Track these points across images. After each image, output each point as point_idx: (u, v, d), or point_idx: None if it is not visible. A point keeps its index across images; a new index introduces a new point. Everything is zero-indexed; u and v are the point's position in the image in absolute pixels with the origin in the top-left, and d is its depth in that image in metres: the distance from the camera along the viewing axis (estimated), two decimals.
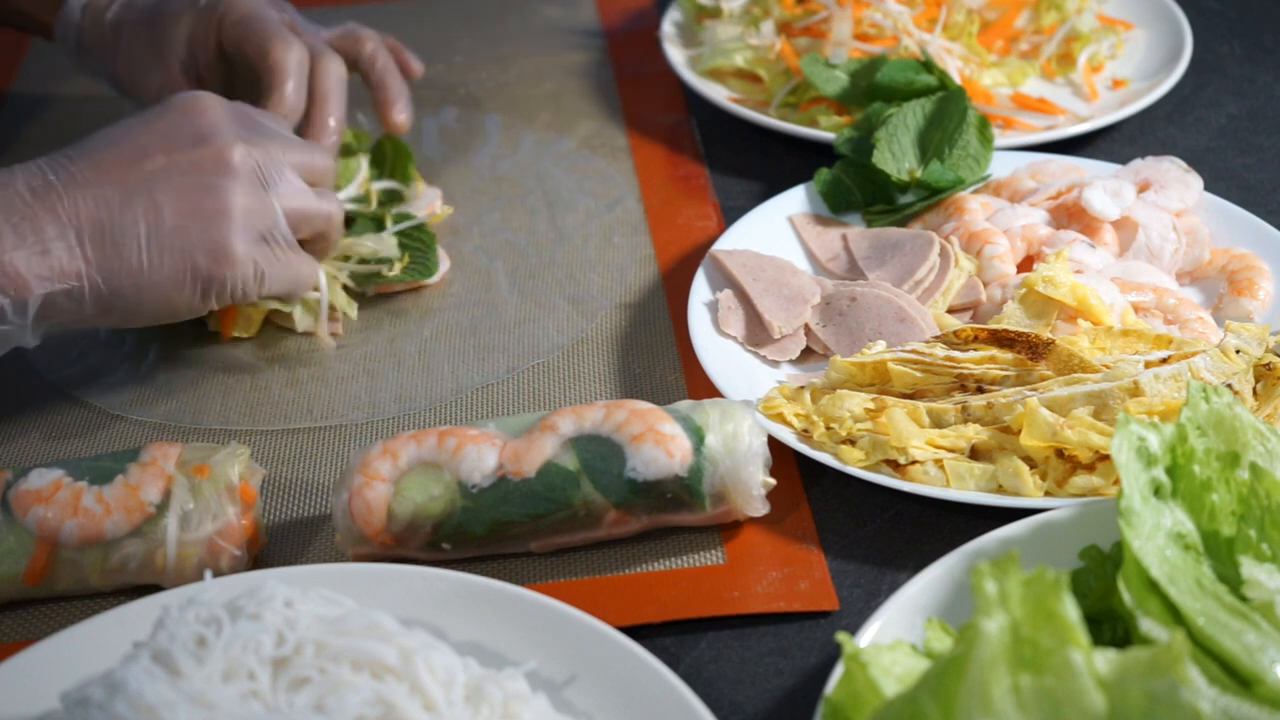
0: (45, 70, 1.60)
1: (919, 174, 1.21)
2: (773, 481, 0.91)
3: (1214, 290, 1.12)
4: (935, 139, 1.23)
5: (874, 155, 1.21)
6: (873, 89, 1.31)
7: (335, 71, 1.18)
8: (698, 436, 0.89)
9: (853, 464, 0.94)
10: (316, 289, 1.13)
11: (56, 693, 0.72)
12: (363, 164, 1.24)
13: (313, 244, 1.06)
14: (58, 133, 1.47)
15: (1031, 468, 0.91)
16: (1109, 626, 0.76)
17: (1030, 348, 0.97)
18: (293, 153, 1.03)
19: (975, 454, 0.93)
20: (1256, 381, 0.95)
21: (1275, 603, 0.71)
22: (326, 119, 1.16)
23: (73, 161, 0.95)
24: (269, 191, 0.99)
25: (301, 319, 1.14)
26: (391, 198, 1.26)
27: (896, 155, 1.22)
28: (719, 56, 1.44)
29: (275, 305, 1.13)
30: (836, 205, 1.23)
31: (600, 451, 0.89)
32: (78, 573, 0.89)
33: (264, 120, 1.04)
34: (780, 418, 0.98)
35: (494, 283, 1.22)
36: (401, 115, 1.24)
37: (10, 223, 0.91)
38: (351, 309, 1.16)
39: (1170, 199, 1.17)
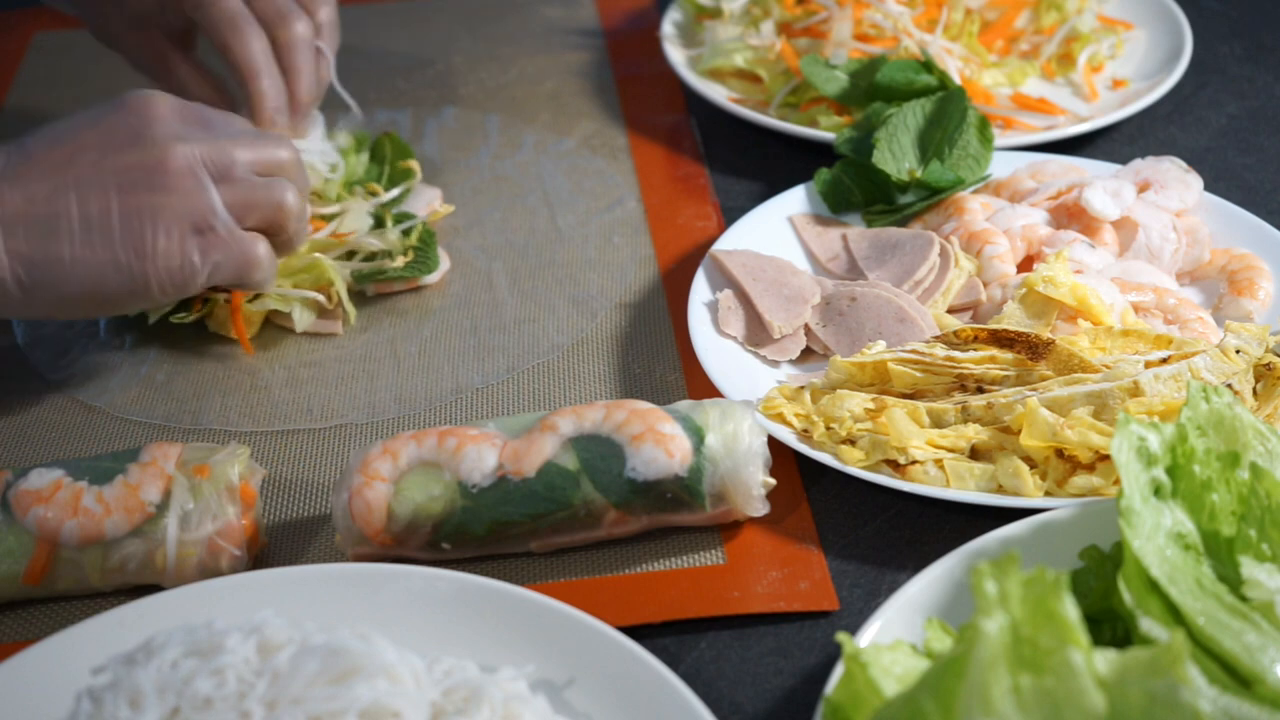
0: (45, 71, 1.60)
1: (919, 174, 1.21)
2: (773, 481, 0.91)
3: (1214, 290, 1.12)
4: (935, 139, 1.23)
5: (874, 155, 1.21)
6: (873, 89, 1.31)
7: (299, 39, 1.15)
8: (698, 436, 0.89)
9: (853, 464, 0.94)
10: (333, 283, 1.13)
11: (56, 693, 0.72)
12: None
13: (272, 235, 1.04)
14: None
15: (1031, 468, 0.91)
16: (1109, 626, 0.76)
17: (1030, 348, 0.97)
18: (244, 150, 1.01)
19: (975, 454, 0.93)
20: (1256, 381, 0.95)
21: (1275, 603, 0.71)
22: (297, 95, 1.15)
23: (9, 155, 0.95)
24: (207, 186, 0.98)
25: (301, 319, 1.14)
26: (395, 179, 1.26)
27: (896, 155, 1.22)
28: (719, 56, 1.44)
29: (274, 305, 1.13)
30: (836, 205, 1.22)
31: (600, 451, 0.89)
32: (78, 573, 0.89)
33: (216, 118, 1.03)
34: (780, 418, 0.98)
35: (494, 283, 1.22)
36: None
37: None
38: (351, 309, 1.16)
39: (1170, 199, 1.17)
